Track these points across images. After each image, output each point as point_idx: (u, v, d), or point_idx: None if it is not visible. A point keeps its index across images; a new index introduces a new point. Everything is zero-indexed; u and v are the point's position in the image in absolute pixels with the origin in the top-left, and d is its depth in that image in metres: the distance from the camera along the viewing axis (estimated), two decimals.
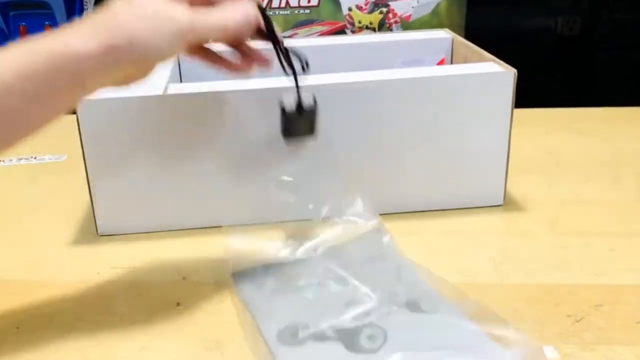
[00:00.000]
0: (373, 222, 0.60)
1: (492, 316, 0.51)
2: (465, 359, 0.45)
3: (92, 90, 0.45)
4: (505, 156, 0.68)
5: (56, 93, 0.43)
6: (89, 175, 0.64)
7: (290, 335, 0.48)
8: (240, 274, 0.57)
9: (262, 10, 0.50)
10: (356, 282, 0.52)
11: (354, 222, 0.60)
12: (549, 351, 0.47)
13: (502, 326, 0.49)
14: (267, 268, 0.56)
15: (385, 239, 0.60)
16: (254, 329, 0.50)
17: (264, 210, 0.62)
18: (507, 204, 0.70)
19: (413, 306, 0.51)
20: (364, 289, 0.51)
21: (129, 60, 0.43)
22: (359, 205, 0.61)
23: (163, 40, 0.43)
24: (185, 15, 0.44)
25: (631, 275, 0.57)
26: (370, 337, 0.47)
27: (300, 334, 0.48)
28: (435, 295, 0.52)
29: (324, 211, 0.60)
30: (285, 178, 0.55)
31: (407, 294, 0.52)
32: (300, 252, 0.57)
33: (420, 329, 0.49)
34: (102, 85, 0.45)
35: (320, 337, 0.47)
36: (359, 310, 0.49)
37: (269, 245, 0.59)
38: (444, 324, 0.49)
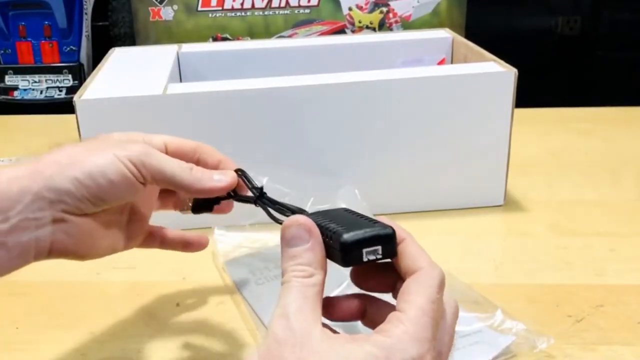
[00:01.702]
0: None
1: (481, 300, 0.52)
2: (460, 344, 0.46)
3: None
4: (506, 156, 0.68)
5: None
6: None
7: None
8: (233, 262, 0.57)
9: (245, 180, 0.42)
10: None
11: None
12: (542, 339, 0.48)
13: (492, 311, 0.50)
14: (257, 255, 0.57)
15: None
16: (254, 317, 0.50)
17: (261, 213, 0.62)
18: (508, 204, 0.69)
19: None
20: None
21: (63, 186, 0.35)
22: (352, 193, 0.61)
23: (105, 161, 0.36)
24: (143, 146, 0.38)
25: (632, 275, 0.57)
26: None
27: None
28: None
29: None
30: (278, 186, 0.56)
31: None
32: None
33: None
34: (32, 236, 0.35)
35: None
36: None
37: (259, 235, 0.59)
38: None
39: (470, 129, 0.66)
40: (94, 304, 0.55)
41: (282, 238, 0.33)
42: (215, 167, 0.42)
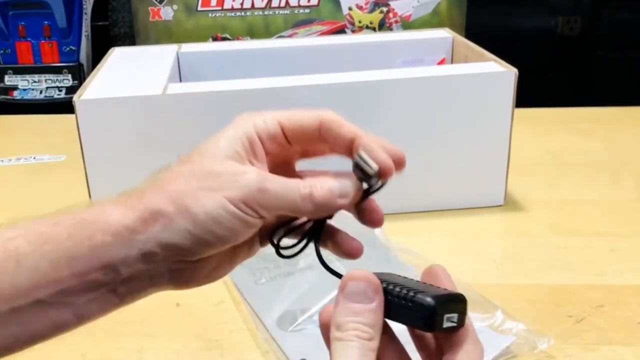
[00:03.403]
0: None
1: (481, 300, 0.52)
2: None
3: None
4: (506, 156, 0.67)
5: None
6: (88, 175, 0.63)
7: (290, 321, 0.49)
8: None
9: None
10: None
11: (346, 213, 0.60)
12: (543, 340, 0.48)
13: (492, 311, 0.50)
14: (260, 257, 0.57)
15: (377, 228, 0.61)
16: (254, 317, 0.50)
17: None
18: (508, 204, 0.69)
19: None
20: None
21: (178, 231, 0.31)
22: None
23: (217, 207, 0.31)
24: (256, 176, 0.32)
25: (632, 275, 0.57)
26: None
27: (300, 319, 0.49)
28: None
29: None
30: None
31: None
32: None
33: None
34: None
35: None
36: None
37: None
38: None
39: (470, 129, 0.66)
40: None
41: (344, 289, 0.30)
42: (347, 145, 0.35)
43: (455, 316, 0.30)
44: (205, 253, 0.32)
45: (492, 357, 0.47)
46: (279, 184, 0.32)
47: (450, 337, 0.31)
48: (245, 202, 0.31)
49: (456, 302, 0.30)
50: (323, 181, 0.33)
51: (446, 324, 0.30)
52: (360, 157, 0.33)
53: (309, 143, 0.35)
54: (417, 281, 0.32)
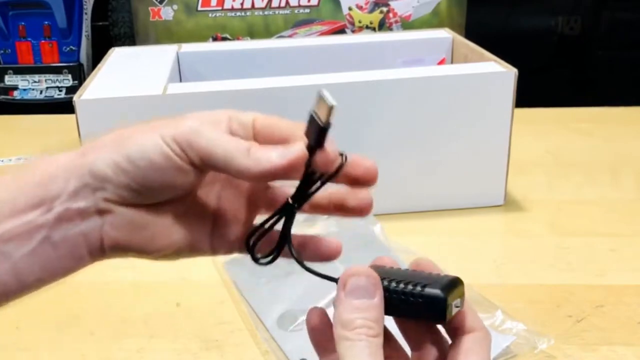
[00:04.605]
0: None
1: (481, 300, 0.52)
2: None
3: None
4: (506, 156, 0.67)
5: None
6: None
7: (290, 321, 0.49)
8: (233, 263, 0.57)
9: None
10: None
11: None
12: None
13: (492, 311, 0.50)
14: None
15: (376, 228, 0.60)
16: (254, 317, 0.50)
17: None
18: (508, 204, 0.69)
19: None
20: None
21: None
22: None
23: (148, 142, 0.31)
24: (197, 121, 0.32)
25: (632, 275, 0.57)
26: None
27: (300, 319, 0.49)
28: None
29: None
30: None
31: None
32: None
33: None
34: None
35: None
36: None
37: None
38: None
39: (470, 129, 0.66)
40: (94, 304, 0.55)
41: (345, 285, 0.30)
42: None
43: (459, 301, 0.30)
44: (131, 195, 0.31)
45: (493, 356, 0.47)
46: (217, 132, 0.32)
47: (461, 325, 0.31)
48: (177, 140, 0.31)
49: (457, 286, 0.30)
50: (267, 146, 0.32)
51: (454, 311, 0.30)
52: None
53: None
54: (407, 269, 0.32)
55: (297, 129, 0.33)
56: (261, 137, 0.33)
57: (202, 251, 0.35)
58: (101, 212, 0.31)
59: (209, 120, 0.33)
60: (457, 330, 0.31)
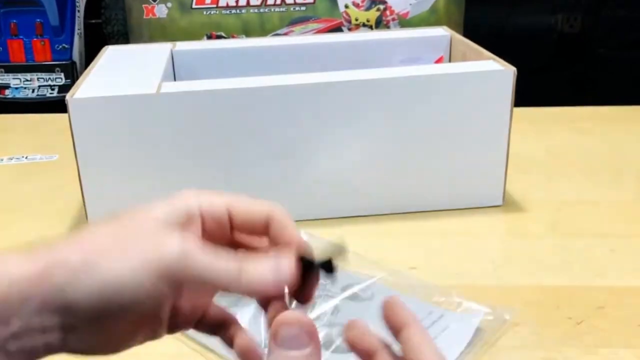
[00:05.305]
0: None
1: (430, 286, 0.53)
2: (432, 334, 0.46)
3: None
4: (505, 156, 0.67)
5: None
6: (80, 174, 0.63)
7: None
8: None
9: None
10: None
11: None
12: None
13: (448, 294, 0.51)
14: None
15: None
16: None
17: None
18: (507, 204, 0.69)
19: (352, 296, 0.51)
20: None
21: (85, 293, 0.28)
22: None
23: (128, 271, 0.28)
24: (181, 242, 0.29)
25: (633, 276, 0.57)
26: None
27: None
28: (362, 279, 0.53)
29: None
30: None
31: (336, 284, 0.53)
32: None
33: (379, 319, 0.49)
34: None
35: None
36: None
37: None
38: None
39: (468, 128, 0.65)
40: None
41: (277, 335, 0.28)
42: (284, 244, 0.32)
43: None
44: (102, 319, 0.28)
45: (471, 335, 0.47)
46: (205, 255, 0.29)
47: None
48: (164, 274, 0.28)
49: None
50: (258, 260, 0.30)
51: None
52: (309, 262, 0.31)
53: (252, 234, 0.33)
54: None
55: (274, 208, 0.32)
56: (240, 228, 0.32)
57: (159, 337, 0.33)
58: (66, 329, 0.29)
59: (182, 221, 0.30)
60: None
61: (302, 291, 0.31)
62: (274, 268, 0.30)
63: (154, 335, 0.32)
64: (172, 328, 0.32)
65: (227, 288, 0.29)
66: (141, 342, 0.31)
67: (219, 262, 0.29)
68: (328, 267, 0.31)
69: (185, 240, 0.29)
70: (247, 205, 0.32)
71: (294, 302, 0.32)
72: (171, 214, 0.30)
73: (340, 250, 0.31)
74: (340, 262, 0.31)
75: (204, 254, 0.29)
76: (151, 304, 0.29)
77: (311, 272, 0.31)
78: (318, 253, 0.31)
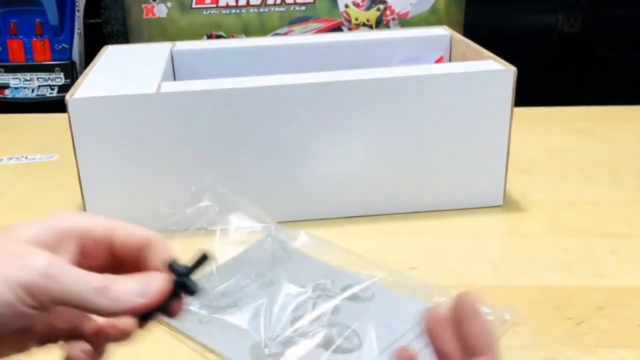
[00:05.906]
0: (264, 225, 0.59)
1: (430, 286, 0.53)
2: None
3: None
4: (505, 156, 0.67)
5: None
6: (80, 174, 0.62)
7: (262, 354, 0.47)
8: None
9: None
10: (289, 284, 0.52)
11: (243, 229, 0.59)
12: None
13: (446, 294, 0.51)
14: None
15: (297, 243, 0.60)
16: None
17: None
18: (507, 204, 0.69)
19: (352, 296, 0.52)
20: (298, 289, 0.52)
21: None
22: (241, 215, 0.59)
23: None
24: (45, 260, 0.29)
25: (633, 276, 0.56)
26: (347, 338, 0.47)
27: (271, 349, 0.47)
28: (362, 279, 0.54)
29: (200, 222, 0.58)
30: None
31: (336, 284, 0.53)
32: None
33: (379, 319, 0.49)
34: None
35: (289, 343, 0.47)
36: (311, 315, 0.49)
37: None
38: (394, 307, 0.51)
39: (468, 128, 0.65)
40: None
41: None
42: (158, 267, 0.33)
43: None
44: None
45: None
46: (70, 272, 0.29)
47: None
48: (26, 288, 0.28)
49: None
50: (126, 278, 0.31)
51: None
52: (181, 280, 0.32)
53: (131, 257, 0.33)
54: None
55: (153, 235, 0.33)
56: (120, 251, 0.32)
57: (28, 350, 0.33)
58: None
59: (52, 241, 0.30)
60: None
61: (169, 307, 0.32)
62: (141, 284, 0.31)
63: (22, 348, 0.32)
64: (45, 342, 0.33)
65: (93, 306, 0.30)
66: (7, 355, 0.31)
67: (84, 279, 0.29)
68: (191, 286, 0.32)
69: (50, 258, 0.29)
70: (128, 231, 0.33)
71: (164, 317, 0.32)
72: (41, 234, 0.30)
73: (204, 261, 0.32)
74: (204, 275, 0.31)
75: (68, 271, 0.29)
76: (16, 321, 0.29)
77: (180, 288, 0.31)
78: (187, 266, 0.32)
